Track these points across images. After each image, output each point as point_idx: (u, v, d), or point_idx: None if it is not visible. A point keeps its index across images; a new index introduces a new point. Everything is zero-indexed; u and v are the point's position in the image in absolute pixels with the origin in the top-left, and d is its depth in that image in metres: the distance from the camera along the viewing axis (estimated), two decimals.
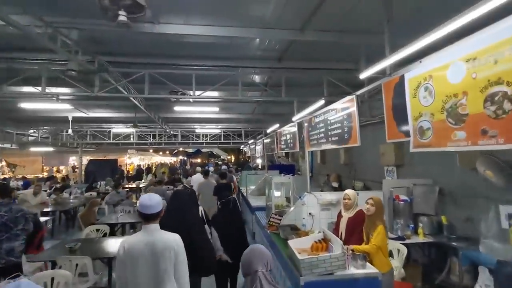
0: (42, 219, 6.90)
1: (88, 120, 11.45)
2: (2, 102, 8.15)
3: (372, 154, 7.06)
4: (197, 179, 8.33)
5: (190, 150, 31.58)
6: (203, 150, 29.97)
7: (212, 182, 7.53)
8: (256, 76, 6.81)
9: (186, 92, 6.31)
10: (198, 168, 9.66)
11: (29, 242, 3.65)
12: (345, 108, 3.90)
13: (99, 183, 13.03)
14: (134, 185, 13.63)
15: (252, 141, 14.19)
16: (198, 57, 5.54)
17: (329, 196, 4.76)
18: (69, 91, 6.84)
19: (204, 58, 5.58)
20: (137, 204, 2.40)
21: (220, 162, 26.97)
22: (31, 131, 14.66)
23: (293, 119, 6.72)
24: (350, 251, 2.92)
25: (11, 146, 16.29)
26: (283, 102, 7.65)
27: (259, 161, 12.93)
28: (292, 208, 4.87)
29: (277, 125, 10.35)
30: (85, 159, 17.89)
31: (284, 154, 16.81)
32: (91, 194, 10.82)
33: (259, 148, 11.25)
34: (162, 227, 2.24)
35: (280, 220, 4.76)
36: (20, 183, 14.11)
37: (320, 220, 4.63)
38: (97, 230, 5.65)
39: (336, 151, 8.99)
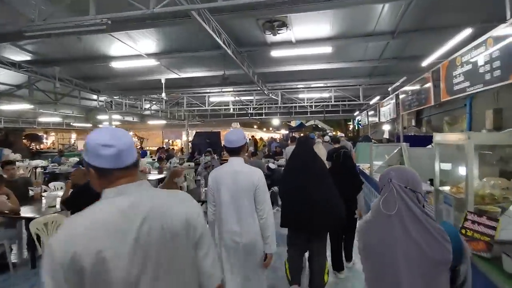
0: None
1: (182, 85, 10.70)
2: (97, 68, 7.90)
3: None
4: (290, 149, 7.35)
5: (293, 124, 30.00)
6: (307, 123, 27.60)
7: None
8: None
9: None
10: None
11: None
12: None
13: (203, 155, 12.74)
14: None
15: (376, 99, 10.43)
16: None
17: None
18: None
19: None
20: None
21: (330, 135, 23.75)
22: (147, 105, 15.64)
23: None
24: None
25: (133, 119, 18.03)
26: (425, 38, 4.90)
27: (386, 128, 9.44)
28: None
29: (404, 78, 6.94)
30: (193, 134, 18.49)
31: (414, 123, 12.66)
32: (189, 165, 10.23)
33: (386, 109, 7.93)
34: (286, 177, 2.78)
35: (495, 229, 1.97)
36: (139, 152, 15.47)
37: None
38: None
39: None
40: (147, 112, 14.66)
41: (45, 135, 25.65)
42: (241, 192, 2.12)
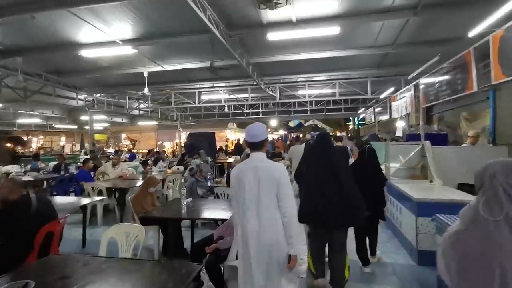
0: (96, 198, 5.14)
1: (169, 80, 9.63)
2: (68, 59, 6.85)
3: None
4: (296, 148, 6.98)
5: (291, 125, 29.15)
6: (306, 124, 26.64)
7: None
8: None
9: None
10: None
11: None
12: None
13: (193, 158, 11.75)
14: (232, 160, 11.86)
15: (389, 92, 9.27)
16: None
17: None
18: None
19: None
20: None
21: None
22: (142, 105, 14.55)
23: None
24: None
25: (122, 120, 16.97)
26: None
27: (400, 125, 8.31)
28: None
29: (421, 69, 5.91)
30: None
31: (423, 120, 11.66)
32: (178, 169, 9.17)
33: (400, 103, 6.88)
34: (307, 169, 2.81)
35: None
36: (127, 155, 14.37)
37: None
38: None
39: None
40: (135, 112, 13.61)
41: (34, 138, 24.53)
42: (262, 188, 2.05)
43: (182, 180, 6.81)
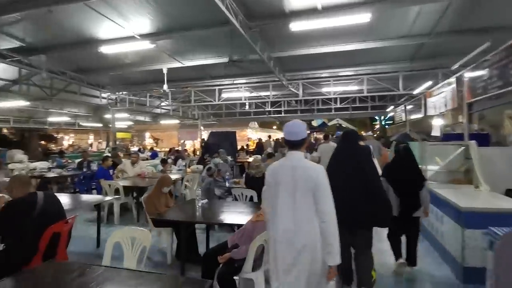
0: (107, 198, 5.02)
1: (188, 77, 9.47)
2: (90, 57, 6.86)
3: None
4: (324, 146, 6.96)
5: (315, 124, 28.45)
6: (330, 123, 25.82)
7: (333, 145, 6.25)
8: None
9: None
10: None
11: None
12: None
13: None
14: (251, 159, 11.58)
15: (425, 86, 8.26)
16: None
17: None
18: None
19: None
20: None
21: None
22: (163, 104, 14.64)
23: None
24: None
25: (145, 119, 17.24)
26: None
27: (437, 123, 7.46)
28: None
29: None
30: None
31: (461, 120, 10.70)
32: (197, 167, 8.99)
33: (438, 99, 6.17)
34: (332, 168, 2.60)
35: None
36: (149, 153, 14.49)
37: None
38: None
39: None
40: (157, 111, 13.69)
41: (65, 136, 25.73)
42: (299, 190, 1.95)
43: (200, 180, 6.59)
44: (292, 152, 2.05)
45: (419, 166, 3.68)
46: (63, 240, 2.96)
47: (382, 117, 23.62)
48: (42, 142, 20.66)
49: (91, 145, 24.73)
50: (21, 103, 9.78)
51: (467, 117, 4.77)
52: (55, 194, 3.22)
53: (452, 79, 5.31)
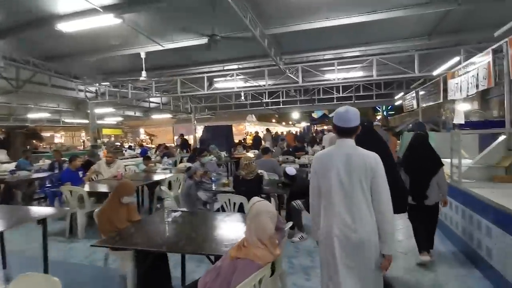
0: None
1: (172, 64, 8.39)
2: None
3: None
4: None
5: (315, 116, 27.55)
6: (331, 115, 24.87)
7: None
8: None
9: None
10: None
11: None
12: None
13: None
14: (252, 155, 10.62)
15: (450, 64, 7.08)
16: None
17: None
18: None
19: None
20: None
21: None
22: (156, 99, 13.54)
23: None
24: None
25: (135, 113, 16.22)
26: None
27: (462, 108, 6.38)
28: None
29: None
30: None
31: (478, 106, 9.67)
32: (185, 166, 7.98)
33: (465, 79, 5.11)
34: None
35: None
36: (138, 151, 13.47)
37: None
38: None
39: None
40: (145, 104, 12.63)
41: (58, 135, 24.75)
42: (354, 179, 1.83)
43: (184, 182, 5.62)
44: (344, 140, 1.96)
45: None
46: None
47: (384, 107, 22.71)
48: (33, 141, 19.65)
49: (83, 142, 23.73)
50: None
51: (509, 98, 3.77)
52: None
53: (486, 52, 4.27)
